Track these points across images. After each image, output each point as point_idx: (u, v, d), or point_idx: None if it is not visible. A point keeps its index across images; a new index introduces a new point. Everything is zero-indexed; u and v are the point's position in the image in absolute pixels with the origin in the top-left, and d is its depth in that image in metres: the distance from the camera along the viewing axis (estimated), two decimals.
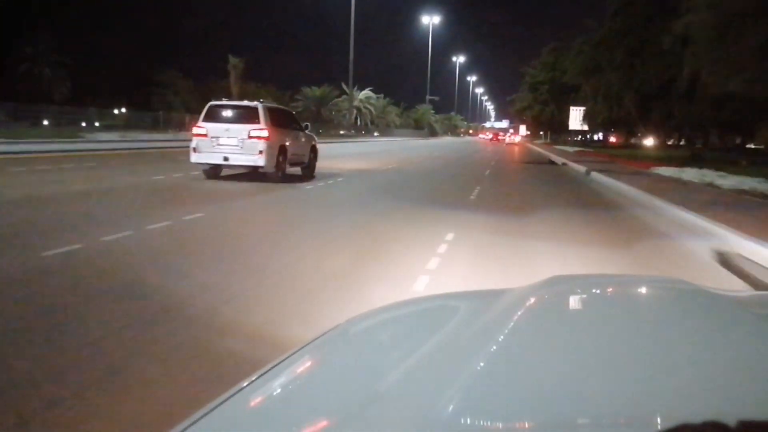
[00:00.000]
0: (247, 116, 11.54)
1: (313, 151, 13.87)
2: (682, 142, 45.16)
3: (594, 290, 1.33)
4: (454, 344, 0.92)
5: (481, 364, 0.80)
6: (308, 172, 13.47)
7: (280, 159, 11.83)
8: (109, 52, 59.68)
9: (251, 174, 12.02)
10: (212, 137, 11.29)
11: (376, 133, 71.42)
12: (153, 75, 51.74)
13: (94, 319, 3.41)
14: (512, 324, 0.97)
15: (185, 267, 4.85)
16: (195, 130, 11.53)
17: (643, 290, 1.35)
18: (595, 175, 16.69)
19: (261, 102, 12.39)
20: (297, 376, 0.89)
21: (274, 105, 13.93)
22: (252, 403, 0.79)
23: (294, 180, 12.29)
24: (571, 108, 50.19)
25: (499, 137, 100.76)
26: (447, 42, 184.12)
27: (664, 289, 1.32)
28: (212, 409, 0.75)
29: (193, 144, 11.48)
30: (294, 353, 0.94)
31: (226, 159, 11.29)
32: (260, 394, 0.81)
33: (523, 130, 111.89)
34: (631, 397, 0.71)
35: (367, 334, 1.10)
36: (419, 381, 0.78)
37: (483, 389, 0.73)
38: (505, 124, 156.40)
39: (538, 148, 50.50)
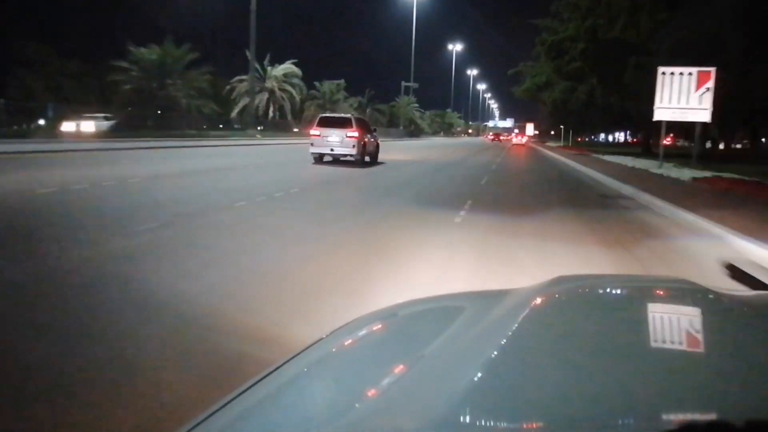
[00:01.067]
0: (344, 123, 18.32)
1: (377, 147, 20.62)
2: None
3: (599, 290, 1.34)
4: (459, 344, 0.92)
5: (486, 364, 0.81)
6: (374, 160, 20.18)
7: (362, 151, 18.57)
8: None
9: (340, 161, 18.76)
10: (323, 137, 18.03)
11: (295, 129, 49.57)
12: (18, 50, 37.80)
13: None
14: (517, 324, 0.97)
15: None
16: (312, 132, 18.45)
17: (648, 290, 1.35)
18: None
19: (352, 115, 19.57)
20: (302, 376, 0.90)
21: (359, 116, 21.32)
22: (259, 403, 0.80)
23: (367, 164, 19.09)
24: (664, 72, 17.78)
25: (501, 137, 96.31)
26: (442, 31, 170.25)
27: (668, 290, 1.32)
28: (218, 410, 0.76)
29: (311, 141, 18.36)
30: (301, 352, 0.95)
31: (332, 150, 18.07)
32: (267, 393, 0.83)
33: (530, 129, 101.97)
34: (636, 397, 0.71)
35: (374, 334, 1.10)
36: (424, 381, 0.79)
37: (488, 390, 0.75)
38: (509, 123, 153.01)
39: (563, 158, 29.89)
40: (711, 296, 1.20)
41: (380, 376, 0.84)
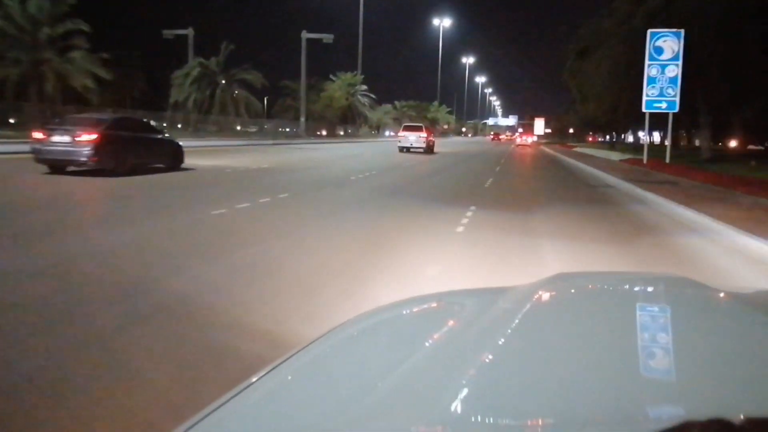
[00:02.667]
0: (419, 128, 31.30)
1: (433, 142, 33.55)
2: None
3: (598, 287, 1.35)
4: (458, 342, 0.92)
5: (486, 361, 0.81)
6: (430, 151, 32.79)
7: (428, 145, 31.56)
8: None
9: (414, 151, 31.30)
10: (406, 137, 30.98)
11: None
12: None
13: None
14: (517, 322, 0.98)
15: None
16: (400, 134, 31.80)
17: (648, 288, 1.35)
18: None
19: (422, 124, 32.96)
20: (302, 374, 0.90)
21: (427, 123, 35.52)
22: (256, 402, 0.80)
23: (429, 154, 31.59)
24: None
25: (501, 137, 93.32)
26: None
27: (668, 287, 1.33)
28: (216, 409, 0.75)
29: (399, 139, 31.48)
30: (298, 351, 0.94)
31: (411, 145, 31.07)
32: (264, 392, 0.82)
33: (540, 126, 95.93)
34: (636, 394, 0.71)
35: (372, 333, 1.10)
36: (424, 379, 0.79)
37: (488, 387, 0.75)
38: (512, 120, 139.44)
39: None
40: (711, 294, 1.20)
41: (380, 374, 0.84)
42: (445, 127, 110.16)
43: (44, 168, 13.04)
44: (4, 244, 5.97)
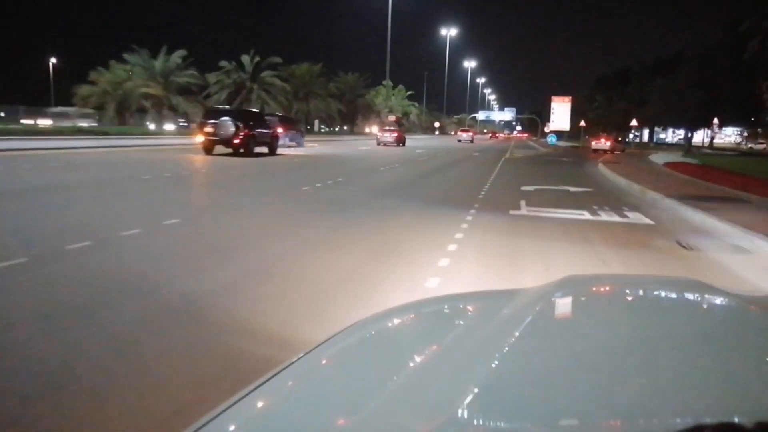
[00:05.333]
0: (468, 129, 43.77)
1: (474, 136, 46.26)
2: None
3: (608, 291, 1.34)
4: (467, 345, 0.92)
5: (495, 365, 0.81)
6: (472, 144, 40.95)
7: (472, 140, 41.92)
8: None
9: (464, 143, 40.37)
10: (463, 133, 47.40)
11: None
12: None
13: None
14: (526, 325, 0.98)
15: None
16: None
17: (659, 291, 1.34)
18: None
19: (396, 126, 39.19)
20: (310, 376, 0.90)
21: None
22: (266, 404, 0.80)
23: (473, 143, 39.57)
24: None
25: (498, 136, 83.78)
26: None
27: (679, 290, 1.33)
28: (225, 410, 0.76)
29: (460, 134, 45.95)
30: (307, 353, 0.94)
31: (464, 139, 45.21)
32: (274, 394, 0.82)
33: (565, 117, 62.08)
34: (647, 398, 0.71)
35: (380, 336, 1.10)
36: (434, 381, 0.79)
37: (498, 390, 0.74)
38: (509, 114, 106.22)
39: None
40: (723, 297, 1.18)
41: (389, 376, 0.85)
42: (392, 119, 59.38)
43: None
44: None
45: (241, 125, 18.37)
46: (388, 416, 0.70)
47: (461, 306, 1.26)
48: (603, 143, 38.97)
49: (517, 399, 0.72)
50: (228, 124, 18.28)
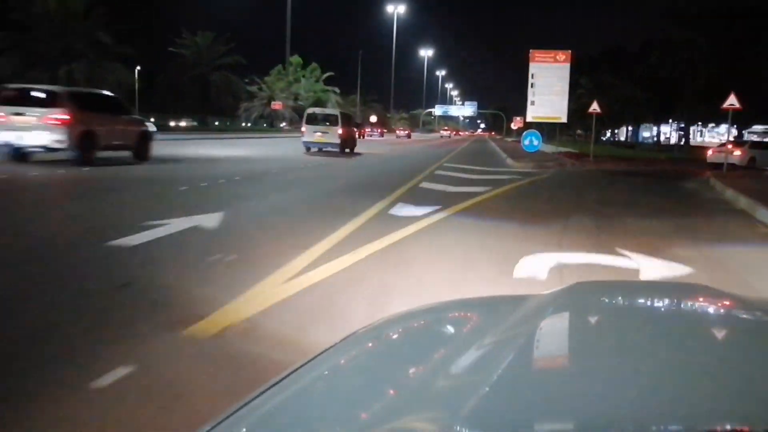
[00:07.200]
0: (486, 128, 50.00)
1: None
2: None
3: (618, 297, 1.35)
4: (475, 351, 0.92)
5: (505, 371, 0.80)
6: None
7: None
8: None
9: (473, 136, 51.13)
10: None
11: None
12: None
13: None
14: (535, 332, 0.98)
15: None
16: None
17: (668, 297, 1.34)
18: None
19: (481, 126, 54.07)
20: (319, 379, 0.91)
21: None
22: (274, 407, 0.81)
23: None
24: None
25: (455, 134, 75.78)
26: None
27: (688, 296, 1.33)
28: (235, 411, 0.77)
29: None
30: (314, 359, 0.95)
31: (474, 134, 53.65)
32: (282, 398, 0.83)
33: (556, 101, 22.71)
34: (657, 405, 0.71)
35: (387, 341, 1.11)
36: (440, 388, 0.79)
37: (505, 397, 0.74)
38: (470, 109, 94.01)
39: None
40: (732, 302, 1.19)
41: (396, 382, 0.86)
42: (277, 106, 52.38)
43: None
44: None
45: None
46: (395, 421, 0.70)
47: (469, 311, 1.27)
48: (732, 154, 20.84)
49: (524, 406, 0.71)
50: None
